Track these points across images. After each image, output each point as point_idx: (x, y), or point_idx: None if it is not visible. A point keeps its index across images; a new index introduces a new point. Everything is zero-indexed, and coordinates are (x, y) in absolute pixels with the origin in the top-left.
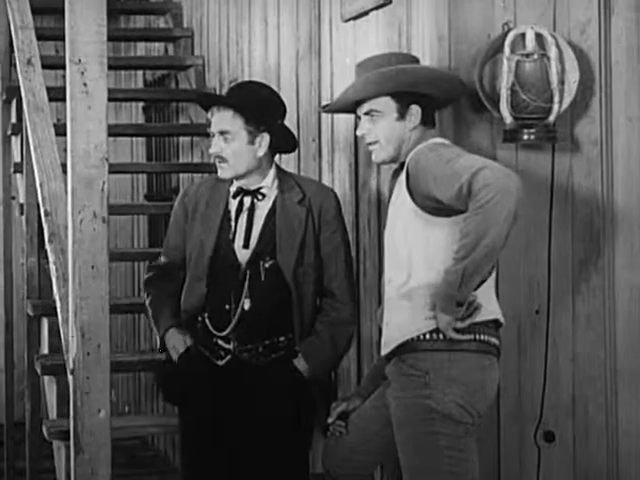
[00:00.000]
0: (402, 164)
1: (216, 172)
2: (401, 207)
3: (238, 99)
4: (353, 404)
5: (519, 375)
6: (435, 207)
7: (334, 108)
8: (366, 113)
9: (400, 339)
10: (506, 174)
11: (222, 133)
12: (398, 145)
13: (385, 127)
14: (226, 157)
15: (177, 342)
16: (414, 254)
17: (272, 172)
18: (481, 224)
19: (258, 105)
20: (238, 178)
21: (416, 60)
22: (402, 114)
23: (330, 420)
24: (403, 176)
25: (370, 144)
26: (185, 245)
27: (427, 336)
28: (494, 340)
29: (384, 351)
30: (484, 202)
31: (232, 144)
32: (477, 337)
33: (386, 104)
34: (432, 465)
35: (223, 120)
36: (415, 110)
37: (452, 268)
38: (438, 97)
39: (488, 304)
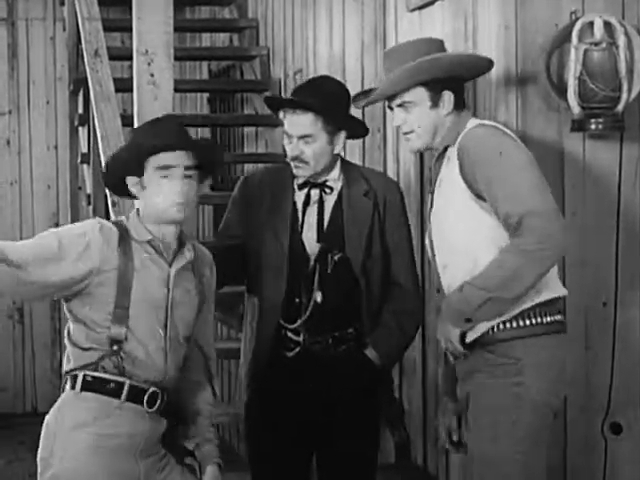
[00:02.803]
0: (445, 149)
1: (278, 162)
2: (453, 193)
3: (318, 102)
4: (449, 410)
5: (586, 366)
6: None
7: (369, 102)
8: (399, 105)
9: (482, 329)
10: (557, 229)
11: (302, 137)
12: (434, 132)
13: (420, 116)
14: (307, 159)
15: None
16: (475, 239)
17: (338, 164)
18: (521, 268)
19: (335, 104)
20: (313, 177)
21: (440, 44)
22: (435, 102)
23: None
24: (453, 162)
25: (406, 133)
26: (243, 234)
27: (507, 325)
28: (561, 317)
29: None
30: (529, 249)
31: (313, 146)
32: (553, 318)
33: (418, 94)
34: (508, 454)
35: (303, 124)
36: (448, 96)
37: (476, 291)
38: (467, 78)
39: (554, 283)
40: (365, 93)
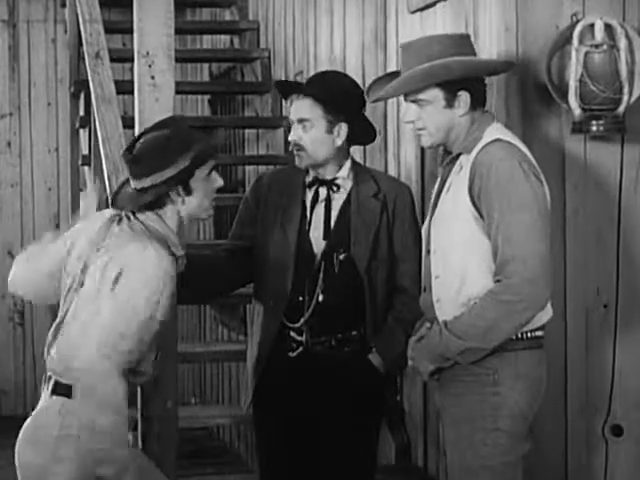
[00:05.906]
0: (458, 154)
1: (285, 164)
2: (458, 204)
3: (318, 88)
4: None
5: (587, 369)
6: None
7: (380, 98)
8: (413, 101)
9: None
10: (538, 279)
11: (301, 121)
12: (447, 131)
13: (433, 115)
14: (304, 145)
15: None
16: (470, 260)
17: (348, 164)
18: (500, 320)
19: (337, 94)
20: (315, 167)
21: (463, 41)
22: (450, 102)
23: None
24: (465, 174)
25: (418, 129)
26: (255, 233)
27: None
28: (541, 332)
29: None
30: (508, 301)
31: (310, 132)
32: (534, 334)
33: (432, 94)
34: (487, 463)
35: (302, 108)
36: (464, 97)
37: (455, 339)
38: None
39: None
40: (389, 75)
